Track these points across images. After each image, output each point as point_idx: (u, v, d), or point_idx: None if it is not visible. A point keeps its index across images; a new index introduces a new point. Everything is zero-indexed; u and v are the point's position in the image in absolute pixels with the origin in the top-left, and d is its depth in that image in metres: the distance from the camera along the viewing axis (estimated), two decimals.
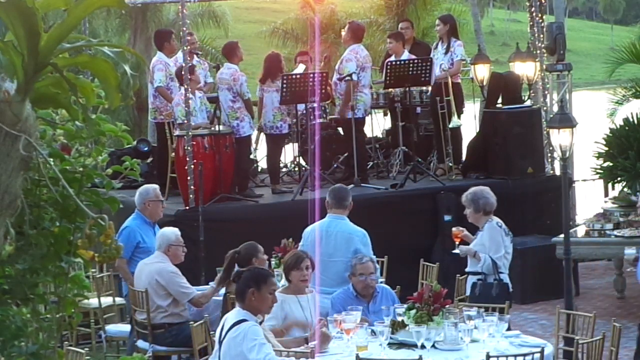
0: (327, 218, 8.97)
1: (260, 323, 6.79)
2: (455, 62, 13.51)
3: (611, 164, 12.54)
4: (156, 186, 10.17)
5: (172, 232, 9.28)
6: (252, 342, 6.36)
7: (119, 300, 10.68)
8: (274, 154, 13.34)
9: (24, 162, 2.66)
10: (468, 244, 9.12)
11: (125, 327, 9.95)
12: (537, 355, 6.95)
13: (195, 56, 13.80)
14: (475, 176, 13.52)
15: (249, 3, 50.01)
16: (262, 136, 14.07)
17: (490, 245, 8.91)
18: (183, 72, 11.93)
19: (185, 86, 11.91)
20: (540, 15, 14.35)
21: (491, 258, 8.84)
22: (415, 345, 7.08)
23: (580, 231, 11.80)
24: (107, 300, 10.50)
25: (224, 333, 6.53)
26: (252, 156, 14.85)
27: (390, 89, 13.57)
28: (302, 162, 13.84)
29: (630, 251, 8.95)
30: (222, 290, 9.04)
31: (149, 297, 8.97)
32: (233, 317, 6.58)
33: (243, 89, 12.81)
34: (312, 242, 8.77)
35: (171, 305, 9.04)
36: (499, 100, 13.89)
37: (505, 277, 8.97)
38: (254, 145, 15.06)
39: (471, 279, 8.97)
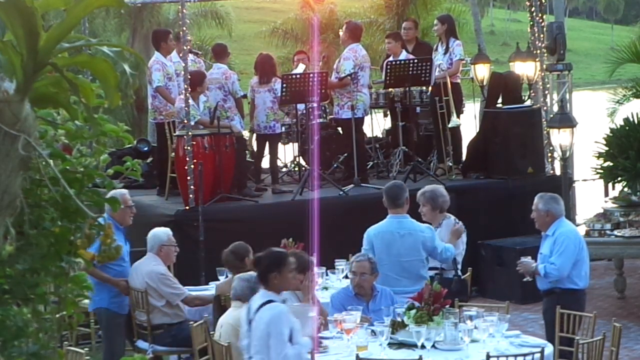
0: (389, 219, 8.86)
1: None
2: (454, 62, 13.50)
3: (611, 164, 12.53)
4: (124, 191, 9.89)
5: (163, 232, 9.28)
6: (277, 330, 6.60)
7: None
8: (272, 154, 13.37)
9: (23, 162, 2.65)
10: None
11: None
12: (537, 355, 6.95)
13: (190, 54, 13.78)
14: (475, 176, 13.52)
15: (249, 3, 50.00)
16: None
17: (450, 238, 9.07)
18: (188, 75, 11.97)
19: (185, 85, 11.92)
20: (540, 15, 14.35)
21: None
22: (415, 345, 7.07)
23: (580, 231, 11.78)
24: None
25: (252, 314, 6.78)
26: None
27: (390, 89, 13.56)
28: (302, 162, 13.83)
29: (526, 260, 8.87)
30: (213, 292, 9.08)
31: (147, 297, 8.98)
32: (259, 299, 6.80)
33: (235, 87, 12.97)
34: (384, 244, 8.72)
35: (166, 306, 9.05)
36: (499, 100, 13.89)
37: (460, 274, 9.15)
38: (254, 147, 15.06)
39: (427, 274, 9.02)
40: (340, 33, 13.87)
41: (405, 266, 8.68)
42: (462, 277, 9.10)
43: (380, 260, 8.59)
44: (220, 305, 8.69)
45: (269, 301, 6.71)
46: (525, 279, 8.86)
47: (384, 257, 8.59)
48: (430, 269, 9.10)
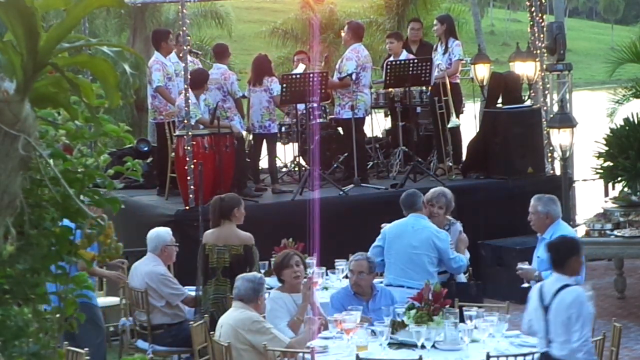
0: (408, 217, 9.01)
1: None
2: (453, 62, 13.50)
3: (611, 164, 12.53)
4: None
5: (166, 232, 9.31)
6: (580, 311, 6.76)
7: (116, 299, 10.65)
8: (270, 154, 13.38)
9: (23, 162, 2.65)
10: None
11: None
12: (537, 355, 6.94)
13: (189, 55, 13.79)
14: (475, 176, 13.52)
15: (249, 3, 50.01)
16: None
17: (459, 246, 9.17)
18: (188, 74, 11.97)
19: (185, 85, 11.92)
20: (540, 15, 14.35)
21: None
22: (415, 345, 7.07)
23: (580, 231, 11.78)
24: (111, 300, 10.48)
25: (547, 300, 6.92)
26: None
27: (390, 89, 13.56)
28: (302, 162, 13.83)
29: (525, 266, 8.81)
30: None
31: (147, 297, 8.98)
32: (554, 283, 6.97)
33: (234, 87, 13.00)
34: (396, 234, 8.85)
35: (166, 306, 9.06)
36: (499, 100, 13.89)
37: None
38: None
39: (440, 278, 9.00)
40: (342, 33, 13.87)
41: (414, 258, 8.72)
42: (479, 282, 9.14)
43: (389, 248, 8.68)
44: (204, 254, 8.80)
45: (566, 285, 6.88)
46: (523, 285, 8.80)
47: (393, 246, 8.70)
48: (443, 272, 9.11)
